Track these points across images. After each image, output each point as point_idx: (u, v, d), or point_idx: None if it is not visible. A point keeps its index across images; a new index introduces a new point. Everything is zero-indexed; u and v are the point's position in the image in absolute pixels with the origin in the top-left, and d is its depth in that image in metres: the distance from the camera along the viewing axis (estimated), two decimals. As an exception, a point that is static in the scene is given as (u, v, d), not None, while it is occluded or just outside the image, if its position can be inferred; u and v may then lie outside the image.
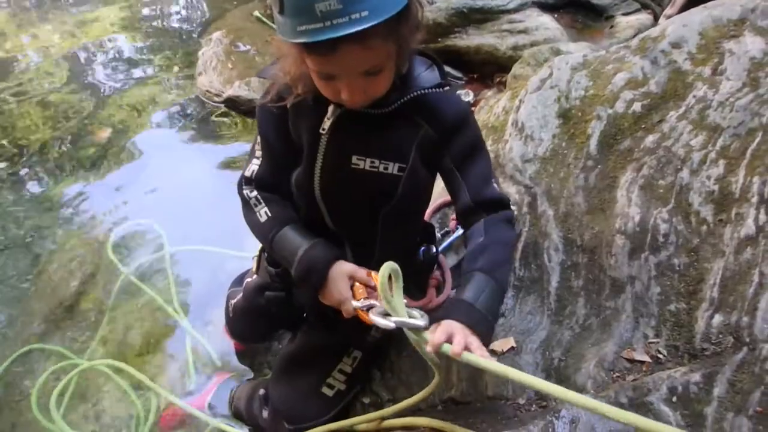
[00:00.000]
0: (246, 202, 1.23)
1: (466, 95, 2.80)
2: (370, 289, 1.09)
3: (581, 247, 1.44)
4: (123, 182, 2.73)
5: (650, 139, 1.52)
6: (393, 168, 1.11)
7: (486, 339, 0.99)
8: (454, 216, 1.67)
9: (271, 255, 1.32)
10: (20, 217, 2.57)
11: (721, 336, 1.18)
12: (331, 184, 1.16)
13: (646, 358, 1.21)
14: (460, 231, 1.59)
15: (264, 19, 3.47)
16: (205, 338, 1.99)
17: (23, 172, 2.84)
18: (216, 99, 3.13)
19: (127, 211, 2.53)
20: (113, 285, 2.17)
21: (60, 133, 3.08)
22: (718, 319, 1.20)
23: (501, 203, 1.14)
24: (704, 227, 1.33)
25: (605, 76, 1.67)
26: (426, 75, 1.09)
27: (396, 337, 1.45)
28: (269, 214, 1.19)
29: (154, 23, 4.26)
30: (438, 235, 1.59)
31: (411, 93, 1.05)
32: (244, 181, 1.24)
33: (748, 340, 1.13)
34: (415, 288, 1.41)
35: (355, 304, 1.06)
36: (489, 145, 1.74)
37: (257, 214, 1.20)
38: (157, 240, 2.37)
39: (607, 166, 1.53)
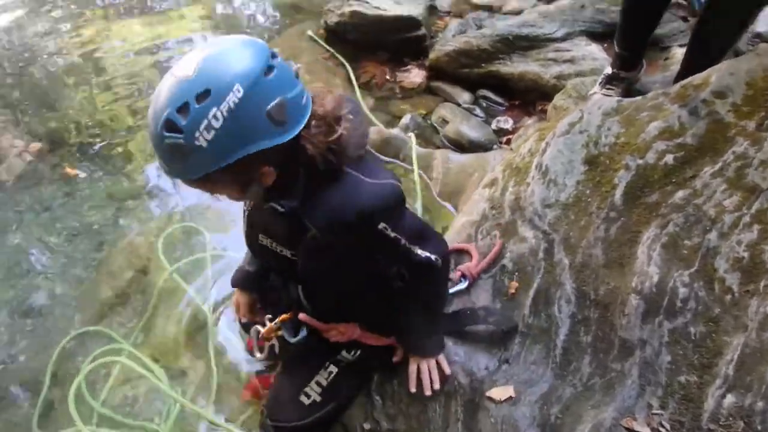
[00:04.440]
0: None
1: (505, 122, 2.68)
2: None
3: (594, 301, 1.34)
4: (183, 186, 2.80)
5: (680, 195, 1.38)
6: (287, 252, 1.18)
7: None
8: (458, 269, 1.52)
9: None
10: (94, 206, 2.71)
11: (731, 419, 1.05)
12: (255, 250, 1.32)
13: (647, 430, 1.10)
14: (464, 284, 1.48)
15: (316, 38, 3.48)
16: (235, 339, 2.02)
17: (101, 165, 2.97)
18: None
19: (182, 212, 2.60)
20: (160, 280, 2.26)
21: (137, 131, 3.18)
22: (730, 399, 1.07)
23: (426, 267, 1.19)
24: (728, 296, 1.20)
25: (639, 124, 1.54)
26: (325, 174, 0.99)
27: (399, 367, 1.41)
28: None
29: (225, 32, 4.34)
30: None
31: (295, 201, 1.02)
32: None
33: (759, 428, 1.01)
34: (379, 326, 1.37)
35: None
36: (511, 186, 1.65)
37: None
38: (203, 242, 2.44)
39: (630, 219, 1.41)
